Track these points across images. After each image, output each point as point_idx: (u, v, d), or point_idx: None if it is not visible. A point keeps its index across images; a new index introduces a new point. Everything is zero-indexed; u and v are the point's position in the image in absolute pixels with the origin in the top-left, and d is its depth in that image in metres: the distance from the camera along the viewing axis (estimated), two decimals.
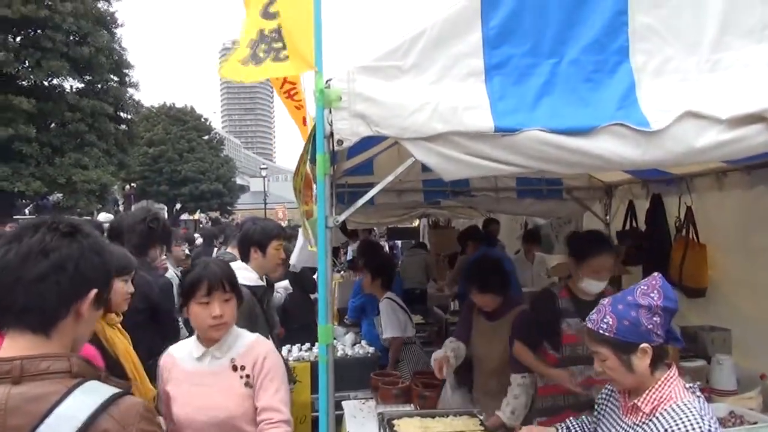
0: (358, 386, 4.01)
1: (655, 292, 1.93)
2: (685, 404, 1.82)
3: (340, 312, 6.48)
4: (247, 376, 2.21)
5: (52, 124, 23.89)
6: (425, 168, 5.07)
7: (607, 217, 5.82)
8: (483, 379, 3.64)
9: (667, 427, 1.78)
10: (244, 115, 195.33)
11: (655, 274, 2.04)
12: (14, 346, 1.23)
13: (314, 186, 2.13)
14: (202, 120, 41.72)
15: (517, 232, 8.45)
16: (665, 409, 1.84)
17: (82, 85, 24.84)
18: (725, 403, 3.24)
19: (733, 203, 4.24)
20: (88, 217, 16.67)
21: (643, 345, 1.86)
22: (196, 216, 38.63)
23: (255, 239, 3.41)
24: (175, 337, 4.08)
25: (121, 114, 26.79)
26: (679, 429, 1.75)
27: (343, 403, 3.72)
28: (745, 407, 3.16)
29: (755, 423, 2.94)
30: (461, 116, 1.87)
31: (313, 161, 2.08)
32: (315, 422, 2.69)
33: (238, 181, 47.29)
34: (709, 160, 2.02)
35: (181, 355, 2.35)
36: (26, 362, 1.19)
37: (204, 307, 2.21)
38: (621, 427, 1.97)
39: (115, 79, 26.15)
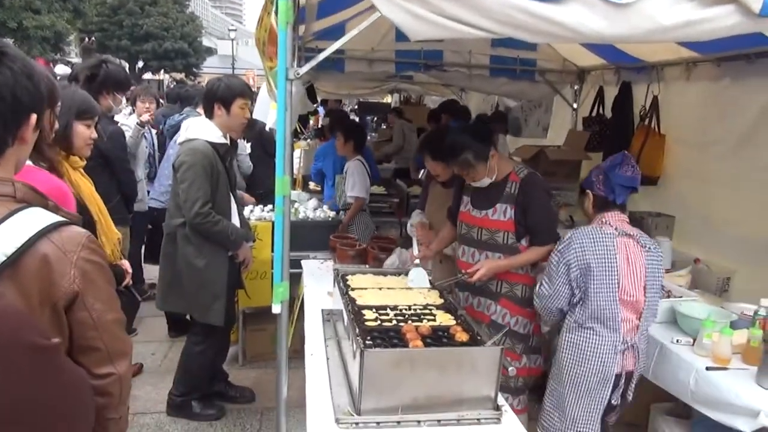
0: (317, 248, 4.16)
1: (609, 161, 2.69)
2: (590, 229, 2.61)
3: (305, 179, 6.55)
4: None
5: None
6: (399, 37, 5.00)
7: (575, 103, 5.86)
8: None
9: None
10: None
11: (624, 153, 2.73)
12: None
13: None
14: None
15: (488, 114, 8.44)
16: None
17: None
18: None
19: (699, 95, 4.29)
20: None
21: (588, 191, 2.70)
22: (160, 76, 36.96)
23: (219, 95, 3.33)
24: (129, 184, 4.12)
25: None
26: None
27: (303, 261, 3.88)
28: (675, 284, 3.43)
29: (680, 297, 3.21)
30: None
31: (277, 11, 2.00)
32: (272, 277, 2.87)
33: (205, 42, 44.85)
34: (675, 39, 2.01)
35: None
36: None
37: None
38: None
39: None
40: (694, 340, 2.79)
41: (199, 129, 3.35)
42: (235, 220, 3.50)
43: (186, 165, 3.24)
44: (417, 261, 2.98)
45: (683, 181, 4.44)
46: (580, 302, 2.62)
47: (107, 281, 1.30)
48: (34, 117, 1.27)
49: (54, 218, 1.23)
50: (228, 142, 3.44)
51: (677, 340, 2.84)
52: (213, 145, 3.31)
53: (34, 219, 1.20)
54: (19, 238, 1.15)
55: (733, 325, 2.77)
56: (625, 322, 2.59)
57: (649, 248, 2.63)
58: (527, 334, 3.00)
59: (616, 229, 2.61)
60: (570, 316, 2.67)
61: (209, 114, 3.39)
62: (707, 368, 2.57)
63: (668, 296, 3.23)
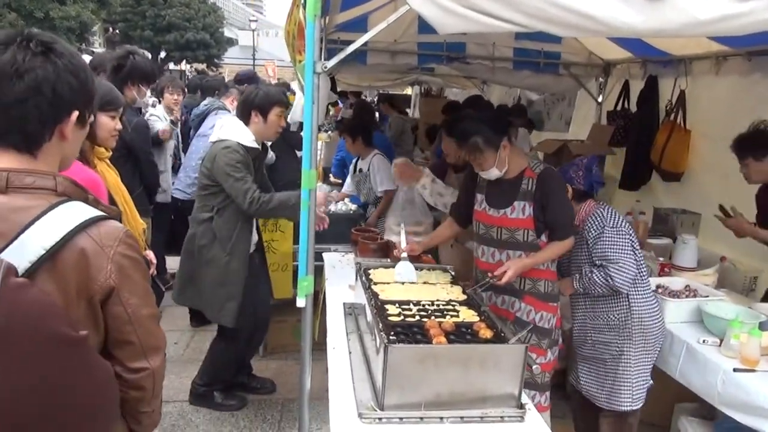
0: (339, 241, 4.16)
1: (586, 162, 3.11)
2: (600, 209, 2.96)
3: (326, 171, 6.56)
4: None
5: None
6: (422, 29, 4.96)
7: (600, 97, 5.77)
8: None
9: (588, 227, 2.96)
10: None
11: (593, 156, 3.20)
12: (1, 160, 1.23)
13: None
14: None
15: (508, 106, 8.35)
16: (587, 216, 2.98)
17: None
18: (683, 277, 3.45)
19: (728, 89, 4.20)
20: None
21: (566, 185, 2.95)
22: (182, 67, 37.25)
23: (256, 103, 3.39)
24: (152, 175, 4.16)
25: None
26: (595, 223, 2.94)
27: (324, 254, 3.89)
28: (701, 283, 3.37)
29: (707, 296, 3.16)
30: None
31: (306, 4, 1.99)
32: (295, 271, 2.84)
33: (226, 33, 45.05)
34: (710, 33, 1.97)
35: None
36: (12, 175, 1.19)
37: None
38: None
39: None
40: (721, 341, 2.74)
41: (233, 130, 3.39)
42: None
43: (224, 164, 3.26)
44: (404, 254, 2.97)
45: (709, 177, 4.36)
46: (636, 264, 2.91)
47: (143, 276, 1.31)
48: (75, 114, 1.27)
49: (93, 212, 1.24)
50: (259, 147, 3.48)
51: (704, 341, 2.80)
52: (244, 147, 3.35)
53: (74, 213, 1.21)
54: (59, 231, 1.17)
55: (762, 326, 2.71)
56: None
57: None
58: (551, 328, 2.98)
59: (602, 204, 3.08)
60: (632, 283, 2.89)
61: (245, 120, 3.43)
62: (735, 370, 2.53)
63: (694, 295, 3.18)
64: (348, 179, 5.28)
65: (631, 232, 2.94)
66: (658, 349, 2.97)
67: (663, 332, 2.97)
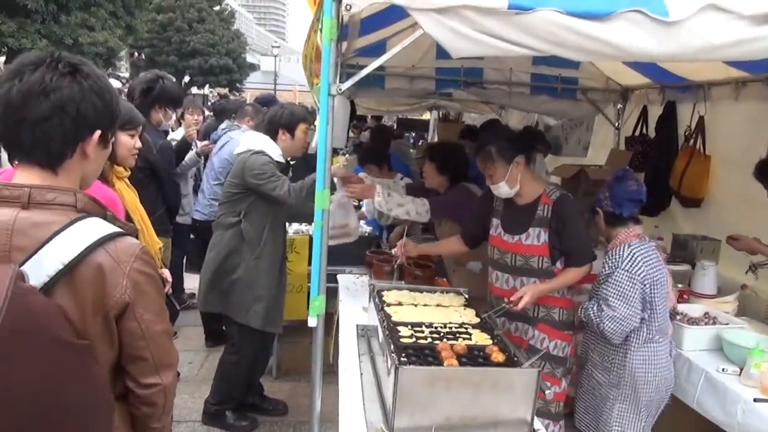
0: (354, 263, 4.17)
1: (611, 177, 2.86)
2: (627, 245, 2.72)
3: None
4: None
5: None
6: (439, 55, 5.01)
7: (618, 122, 5.75)
8: (447, 261, 3.89)
9: (607, 258, 2.78)
10: None
11: (625, 168, 2.99)
12: (25, 176, 1.26)
13: None
14: None
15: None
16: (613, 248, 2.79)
17: None
18: (702, 304, 3.39)
19: (747, 115, 4.16)
20: None
21: (598, 209, 2.87)
22: (205, 91, 38.00)
23: (283, 122, 3.54)
24: (174, 196, 4.24)
25: None
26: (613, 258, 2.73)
27: (339, 276, 3.90)
28: (721, 310, 3.31)
29: (727, 324, 3.10)
30: None
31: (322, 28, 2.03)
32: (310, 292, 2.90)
33: (249, 58, 45.91)
34: (725, 58, 1.97)
35: None
36: (35, 191, 1.23)
37: None
38: None
39: None
40: (741, 370, 2.68)
41: (260, 143, 3.51)
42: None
43: (255, 168, 3.38)
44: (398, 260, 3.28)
45: (729, 204, 4.30)
46: (647, 318, 2.68)
47: (158, 293, 1.33)
48: (97, 133, 1.30)
49: (111, 229, 1.27)
50: (284, 161, 3.60)
51: (723, 369, 2.74)
52: (272, 159, 3.45)
53: (92, 229, 1.24)
54: (77, 247, 1.20)
55: None
56: (668, 327, 2.76)
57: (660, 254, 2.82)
58: (565, 357, 2.93)
59: (647, 240, 2.76)
60: (636, 333, 2.69)
61: (273, 138, 3.55)
62: (755, 400, 2.47)
63: (713, 323, 3.12)
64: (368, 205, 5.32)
65: (648, 281, 2.64)
66: (654, 414, 2.79)
67: (663, 396, 2.77)
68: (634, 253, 2.67)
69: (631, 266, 2.65)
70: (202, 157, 5.40)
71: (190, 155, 5.04)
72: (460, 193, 3.62)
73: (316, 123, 4.01)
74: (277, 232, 3.63)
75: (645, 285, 2.64)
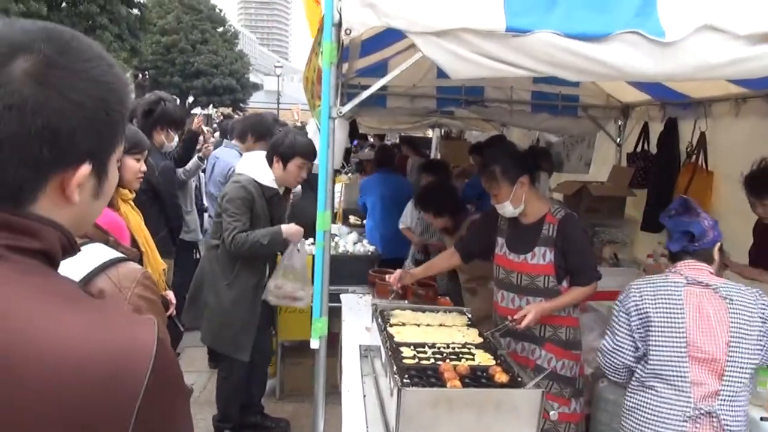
0: (357, 282, 4.16)
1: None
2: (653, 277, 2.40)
3: (345, 213, 6.61)
4: None
5: (63, 3, 23.30)
6: (440, 74, 5.05)
7: (619, 139, 5.77)
8: (465, 280, 3.92)
9: None
10: (261, 9, 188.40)
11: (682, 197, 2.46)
12: None
13: None
14: (217, 11, 40.51)
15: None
16: None
17: None
18: None
19: (748, 131, 4.18)
20: None
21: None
22: (209, 111, 38.35)
23: (280, 150, 3.48)
24: (176, 218, 4.24)
25: None
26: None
27: (342, 296, 3.89)
28: None
29: None
30: (473, 12, 1.82)
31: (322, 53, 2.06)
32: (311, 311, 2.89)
33: (252, 78, 46.40)
34: (722, 77, 1.98)
35: None
36: None
37: None
38: None
39: None
40: None
41: (253, 167, 3.49)
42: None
43: (227, 197, 3.39)
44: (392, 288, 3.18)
45: (732, 220, 4.29)
46: (643, 358, 2.32)
47: (159, 317, 1.34)
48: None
49: (113, 254, 1.28)
50: (277, 188, 3.55)
51: None
52: (260, 185, 3.42)
53: (95, 254, 1.25)
54: (79, 272, 1.20)
55: None
56: (699, 385, 2.19)
57: (732, 300, 2.22)
58: (574, 377, 2.91)
59: (686, 277, 2.29)
60: (635, 374, 2.37)
61: (269, 162, 3.53)
62: (762, 419, 2.44)
63: None
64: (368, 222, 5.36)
65: (636, 314, 2.30)
66: None
67: None
68: (631, 285, 2.40)
69: (622, 297, 2.40)
70: (205, 161, 5.38)
71: (193, 161, 5.00)
72: (471, 224, 3.66)
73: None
74: (255, 262, 3.52)
75: (631, 317, 2.32)
